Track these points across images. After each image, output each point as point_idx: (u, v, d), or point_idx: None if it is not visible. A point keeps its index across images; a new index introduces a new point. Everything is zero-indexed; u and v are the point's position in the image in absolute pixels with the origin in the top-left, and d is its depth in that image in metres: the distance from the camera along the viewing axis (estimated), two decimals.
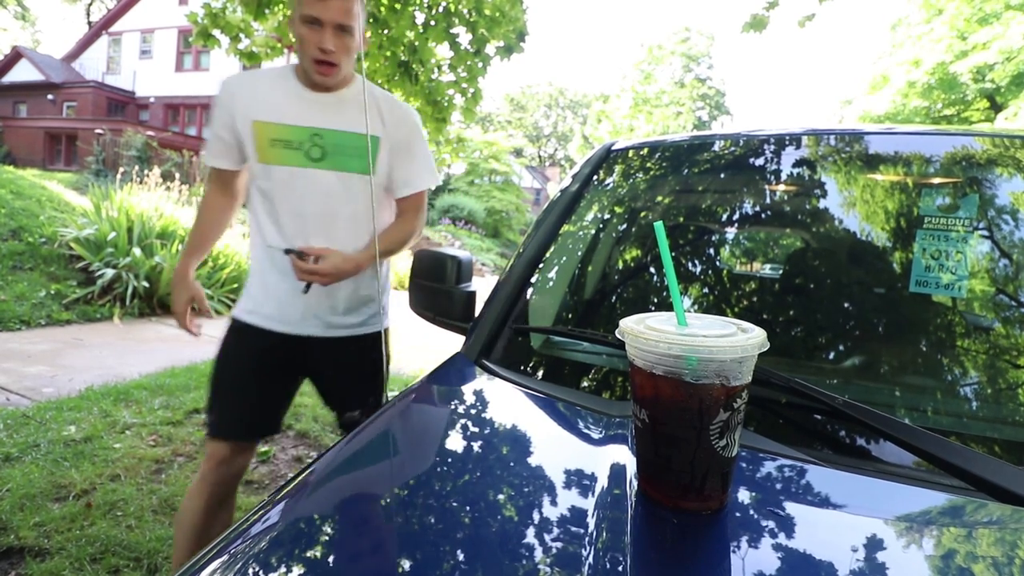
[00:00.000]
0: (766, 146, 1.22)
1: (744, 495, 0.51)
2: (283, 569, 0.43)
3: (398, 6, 3.44)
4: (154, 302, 5.56)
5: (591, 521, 0.45)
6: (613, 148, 1.40)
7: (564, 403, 0.73)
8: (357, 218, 1.36)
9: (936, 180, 1.02)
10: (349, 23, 1.27)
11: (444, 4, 3.56)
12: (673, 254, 1.15)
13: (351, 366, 1.44)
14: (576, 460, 0.59)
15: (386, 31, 3.45)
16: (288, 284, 1.33)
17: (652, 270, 1.16)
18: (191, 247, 1.48)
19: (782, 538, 0.44)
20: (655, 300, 1.11)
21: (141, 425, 2.89)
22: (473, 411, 0.79)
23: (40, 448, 2.51)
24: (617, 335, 0.51)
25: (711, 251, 1.18)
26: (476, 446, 0.63)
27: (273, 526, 0.50)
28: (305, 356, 1.41)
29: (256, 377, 1.39)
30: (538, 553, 0.42)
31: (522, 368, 0.93)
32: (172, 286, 1.49)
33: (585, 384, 0.88)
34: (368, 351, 1.43)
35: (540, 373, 0.93)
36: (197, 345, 4.43)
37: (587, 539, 0.43)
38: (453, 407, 0.82)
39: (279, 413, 1.48)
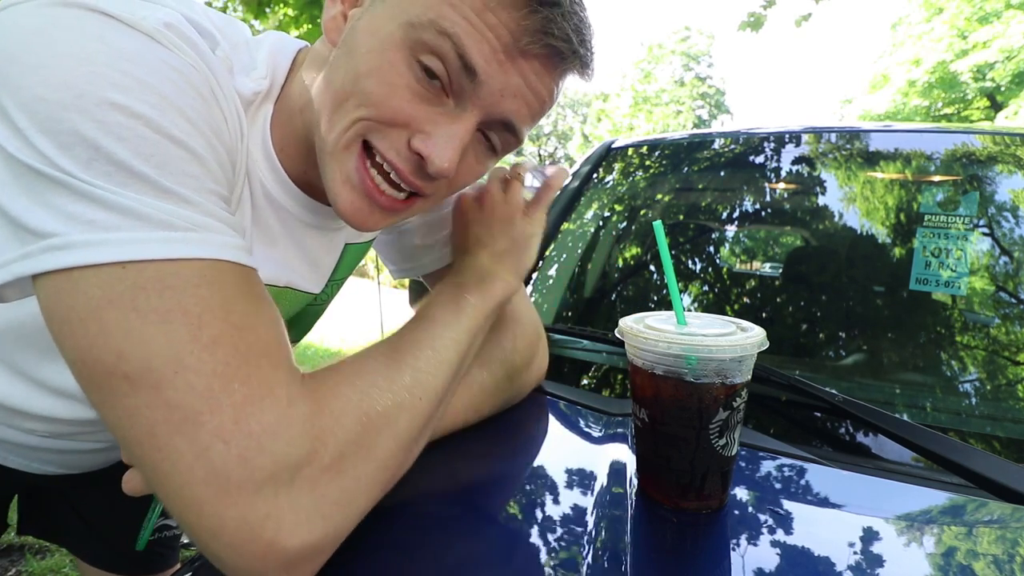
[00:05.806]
0: (766, 144, 1.22)
1: (744, 494, 0.51)
2: None
3: None
4: None
5: (590, 520, 0.45)
6: (613, 146, 1.40)
7: (563, 401, 0.73)
8: None
9: (936, 178, 1.02)
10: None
11: None
12: (672, 253, 1.15)
13: None
14: (575, 459, 0.58)
15: None
16: None
17: (652, 268, 1.16)
18: None
19: (782, 537, 0.44)
20: (655, 299, 1.10)
21: None
22: None
23: None
24: (616, 335, 0.51)
25: (710, 249, 1.18)
26: (474, 444, 0.63)
27: None
28: None
29: None
30: (537, 552, 0.42)
31: None
32: None
33: (584, 382, 0.88)
34: None
35: None
36: None
37: (586, 538, 0.43)
38: None
39: None
